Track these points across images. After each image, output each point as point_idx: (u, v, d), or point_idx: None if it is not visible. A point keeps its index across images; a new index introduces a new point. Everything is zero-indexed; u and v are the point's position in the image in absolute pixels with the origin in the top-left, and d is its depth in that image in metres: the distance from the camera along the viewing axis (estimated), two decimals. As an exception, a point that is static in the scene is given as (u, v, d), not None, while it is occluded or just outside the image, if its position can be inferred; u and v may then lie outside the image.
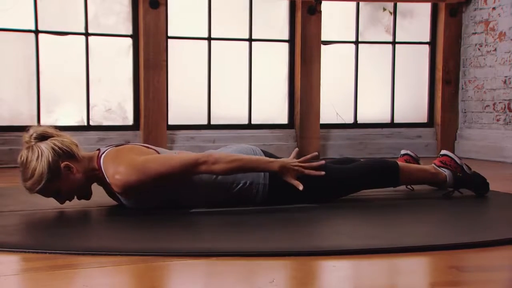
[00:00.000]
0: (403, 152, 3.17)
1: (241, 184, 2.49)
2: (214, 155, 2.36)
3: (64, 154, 2.29)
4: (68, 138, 2.36)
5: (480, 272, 1.66)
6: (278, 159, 2.45)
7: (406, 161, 3.07)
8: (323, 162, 2.53)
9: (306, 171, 2.44)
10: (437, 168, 2.84)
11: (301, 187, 2.39)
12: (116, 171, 2.27)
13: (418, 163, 3.08)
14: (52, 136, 2.33)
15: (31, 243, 1.91)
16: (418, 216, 2.43)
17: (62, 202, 2.37)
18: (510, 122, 4.96)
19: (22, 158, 2.29)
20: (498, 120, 5.08)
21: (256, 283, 1.55)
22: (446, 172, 2.82)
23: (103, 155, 2.35)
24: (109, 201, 2.68)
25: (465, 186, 2.85)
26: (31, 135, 2.30)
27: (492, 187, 2.91)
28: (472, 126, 5.36)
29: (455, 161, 2.84)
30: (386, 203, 2.74)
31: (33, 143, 2.29)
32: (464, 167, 2.84)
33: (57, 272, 1.61)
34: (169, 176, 2.31)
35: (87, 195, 2.42)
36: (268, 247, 1.85)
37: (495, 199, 2.84)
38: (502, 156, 4.85)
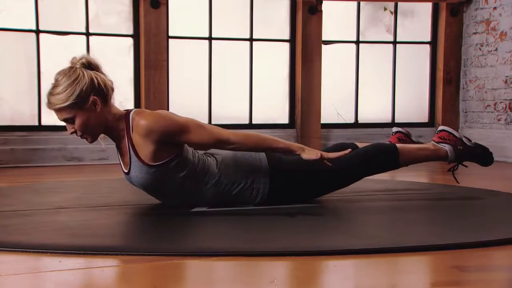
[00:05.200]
0: (394, 129, 3.14)
1: (242, 184, 2.49)
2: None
3: (98, 90, 2.32)
4: (111, 81, 2.40)
5: (481, 272, 1.65)
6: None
7: (399, 139, 3.05)
8: (348, 150, 2.46)
9: (330, 154, 2.40)
10: (437, 144, 2.79)
11: (319, 155, 2.36)
12: (145, 117, 2.32)
13: (411, 139, 3.07)
14: (97, 70, 2.36)
15: (33, 243, 1.90)
16: (419, 216, 2.43)
17: (69, 132, 2.38)
18: (511, 122, 4.95)
19: (60, 74, 2.32)
20: (499, 120, 5.07)
21: (256, 283, 1.55)
22: (446, 147, 2.77)
23: (134, 110, 2.40)
24: (109, 201, 2.68)
25: (468, 159, 2.80)
26: (80, 59, 2.35)
27: (493, 187, 2.90)
28: (473, 126, 5.36)
29: (453, 134, 2.79)
30: (387, 203, 2.73)
31: (78, 66, 2.33)
32: (464, 139, 2.80)
33: (58, 272, 1.61)
34: (192, 131, 2.33)
35: (92, 137, 2.40)
36: (268, 247, 1.85)
37: (496, 199, 2.84)
38: (503, 156, 4.84)
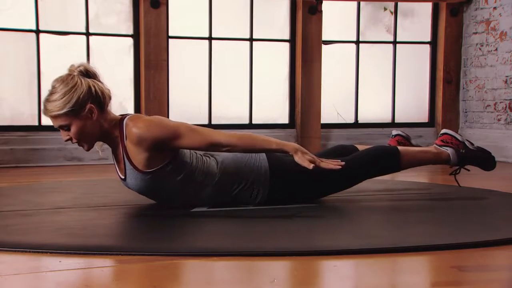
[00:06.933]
0: (394, 132, 3.14)
1: (242, 185, 2.49)
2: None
3: (95, 98, 2.32)
4: (108, 89, 2.40)
5: (481, 272, 1.65)
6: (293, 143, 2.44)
7: (398, 142, 3.05)
8: (343, 163, 2.43)
9: (322, 163, 2.37)
10: (439, 147, 2.79)
11: (311, 166, 2.33)
12: (136, 124, 2.30)
13: (410, 142, 3.07)
14: (95, 78, 2.36)
15: (33, 243, 1.90)
16: (419, 216, 2.43)
17: (64, 139, 2.37)
18: (511, 122, 4.95)
19: (57, 82, 2.32)
20: (499, 120, 5.07)
21: (256, 283, 1.55)
22: (448, 150, 2.77)
23: (128, 116, 2.39)
24: (108, 201, 2.68)
25: (470, 163, 2.80)
26: (78, 67, 2.35)
27: (493, 186, 2.90)
28: (473, 126, 5.36)
29: (456, 138, 2.79)
30: (387, 203, 2.73)
31: (76, 73, 2.32)
32: (466, 143, 2.80)
33: (58, 272, 1.61)
34: (184, 136, 2.30)
35: (88, 145, 2.39)
36: (268, 247, 1.85)
37: (495, 199, 2.84)
38: (503, 156, 4.84)
